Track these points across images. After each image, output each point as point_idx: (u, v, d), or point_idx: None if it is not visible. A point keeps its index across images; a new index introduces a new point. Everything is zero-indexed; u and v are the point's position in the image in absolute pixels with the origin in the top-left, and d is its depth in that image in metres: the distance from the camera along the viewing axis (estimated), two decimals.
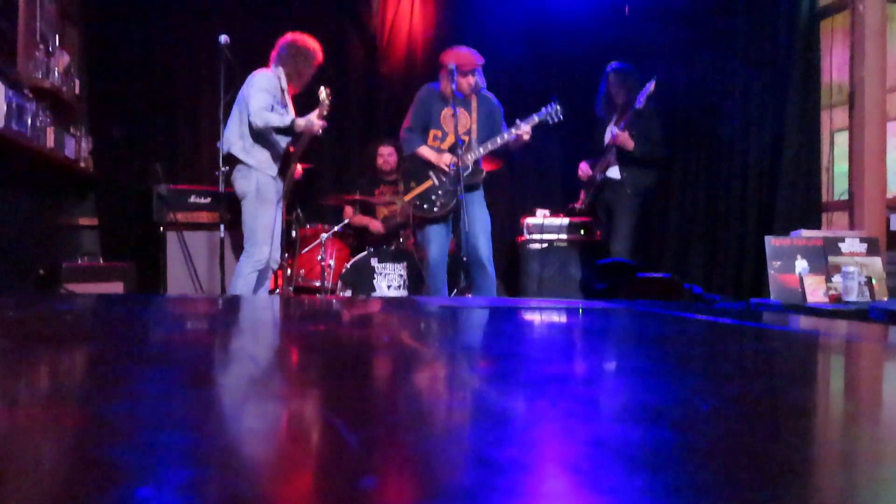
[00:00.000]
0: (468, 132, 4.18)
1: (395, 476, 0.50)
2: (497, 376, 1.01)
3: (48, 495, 0.44)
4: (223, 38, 4.14)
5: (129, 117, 5.49)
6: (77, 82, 4.90)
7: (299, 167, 4.39)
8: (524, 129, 4.10)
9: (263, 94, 4.02)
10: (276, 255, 4.29)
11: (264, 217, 4.09)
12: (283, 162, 4.20)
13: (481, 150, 4.14)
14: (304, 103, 4.29)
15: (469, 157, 4.13)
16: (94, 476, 0.47)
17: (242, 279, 4.05)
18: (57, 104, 4.50)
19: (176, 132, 5.65)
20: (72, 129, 4.77)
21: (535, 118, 4.13)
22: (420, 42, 6.11)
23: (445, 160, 4.13)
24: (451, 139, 4.14)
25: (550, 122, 4.19)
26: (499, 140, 4.13)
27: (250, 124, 4.02)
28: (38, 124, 4.06)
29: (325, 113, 4.08)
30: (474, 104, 4.22)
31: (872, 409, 0.83)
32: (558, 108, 4.18)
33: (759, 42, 4.62)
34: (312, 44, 4.23)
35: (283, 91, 4.17)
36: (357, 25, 6.06)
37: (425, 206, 4.19)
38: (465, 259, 4.09)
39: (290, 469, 0.51)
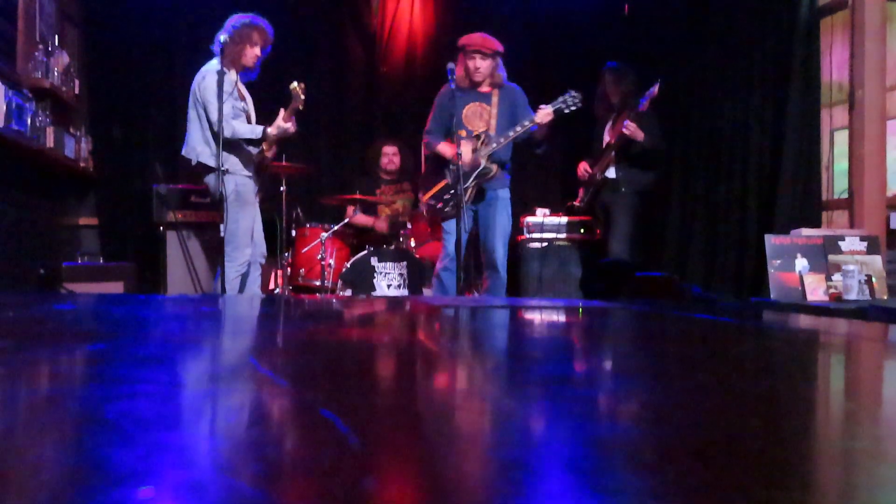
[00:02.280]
0: (487, 127, 4.09)
1: (395, 476, 0.50)
2: (496, 376, 1.01)
3: (48, 495, 0.44)
4: (223, 38, 4.12)
5: (129, 117, 5.48)
6: (77, 82, 4.90)
7: (273, 148, 4.22)
8: (541, 115, 3.97)
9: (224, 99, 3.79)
10: (262, 248, 4.18)
11: (244, 220, 3.97)
12: (258, 158, 4.08)
13: (495, 144, 4.02)
14: (276, 98, 4.14)
15: (483, 152, 4.01)
16: (94, 476, 0.47)
17: (228, 284, 3.97)
18: (57, 104, 4.50)
19: (176, 132, 5.64)
20: (72, 129, 4.77)
21: (550, 108, 4.01)
22: (420, 42, 6.11)
23: (464, 152, 3.96)
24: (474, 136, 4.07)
25: (566, 109, 4.06)
26: (511, 133, 3.99)
27: (213, 129, 3.84)
28: (37, 124, 4.06)
29: (299, 107, 3.93)
30: (495, 98, 4.11)
31: (872, 409, 0.83)
32: (576, 95, 4.07)
33: (759, 41, 4.61)
34: (247, 17, 3.99)
35: (235, 84, 3.98)
36: (357, 25, 6.06)
37: (439, 205, 4.13)
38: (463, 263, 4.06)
39: (290, 469, 0.51)
